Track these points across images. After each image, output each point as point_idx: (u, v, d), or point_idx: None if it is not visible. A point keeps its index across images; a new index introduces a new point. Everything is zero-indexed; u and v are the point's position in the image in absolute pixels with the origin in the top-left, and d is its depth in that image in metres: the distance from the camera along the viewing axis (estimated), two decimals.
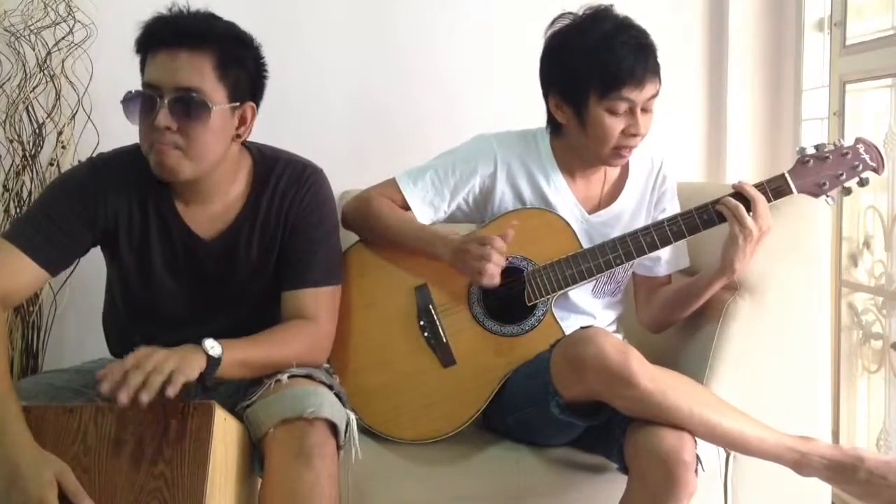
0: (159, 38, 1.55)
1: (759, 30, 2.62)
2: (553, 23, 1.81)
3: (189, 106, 1.53)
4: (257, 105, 1.66)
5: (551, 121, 1.85)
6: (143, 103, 1.56)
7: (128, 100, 1.57)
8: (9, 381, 1.41)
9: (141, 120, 1.57)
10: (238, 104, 1.60)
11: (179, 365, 1.37)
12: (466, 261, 1.72)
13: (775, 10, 2.61)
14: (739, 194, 1.72)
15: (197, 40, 1.54)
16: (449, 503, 1.74)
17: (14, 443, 1.32)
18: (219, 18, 1.61)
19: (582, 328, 1.63)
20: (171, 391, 1.34)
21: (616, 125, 1.74)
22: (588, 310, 1.89)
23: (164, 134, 1.54)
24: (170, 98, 1.53)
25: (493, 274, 1.70)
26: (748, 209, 1.69)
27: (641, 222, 1.87)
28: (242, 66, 1.60)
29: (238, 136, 1.63)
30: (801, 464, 1.56)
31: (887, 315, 2.20)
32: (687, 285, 1.83)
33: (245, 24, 1.65)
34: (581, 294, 1.87)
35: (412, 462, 1.76)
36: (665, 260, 1.92)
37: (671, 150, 1.99)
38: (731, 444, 1.59)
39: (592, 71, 1.71)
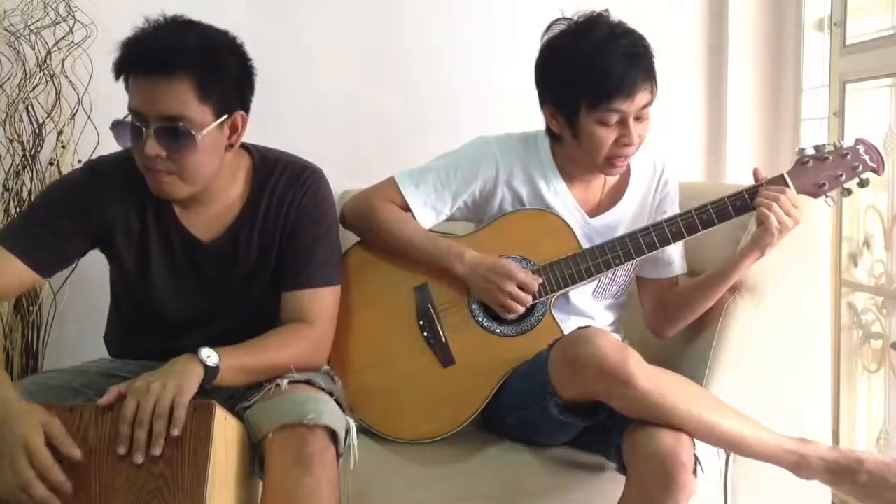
0: (134, 65, 1.52)
1: (759, 30, 2.62)
2: (549, 28, 1.79)
3: (175, 135, 1.51)
4: (248, 107, 1.63)
5: (549, 128, 1.84)
6: (131, 131, 1.55)
7: (115, 127, 1.56)
8: None
9: (132, 145, 1.56)
10: (227, 116, 1.57)
11: (178, 389, 1.36)
12: (498, 295, 1.76)
13: (775, 10, 2.61)
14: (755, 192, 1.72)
15: (172, 67, 1.49)
16: (448, 503, 1.74)
17: (1, 397, 1.34)
18: (192, 31, 1.55)
19: (580, 328, 1.64)
20: (178, 424, 1.33)
21: (608, 136, 1.73)
22: (588, 312, 1.88)
23: (155, 161, 1.53)
24: (155, 127, 1.51)
25: (518, 313, 1.77)
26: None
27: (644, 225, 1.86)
28: (225, 78, 1.56)
29: (231, 144, 1.61)
30: (801, 466, 1.56)
31: (887, 315, 2.21)
32: (711, 274, 1.81)
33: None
34: (581, 296, 1.87)
35: (412, 462, 1.76)
36: (675, 260, 1.91)
37: (671, 150, 1.99)
38: (730, 445, 1.59)
39: (582, 82, 1.70)
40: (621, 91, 1.68)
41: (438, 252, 1.82)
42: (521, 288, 1.75)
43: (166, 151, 1.52)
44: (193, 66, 1.51)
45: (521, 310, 1.77)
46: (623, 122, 1.72)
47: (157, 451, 1.32)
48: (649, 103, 1.74)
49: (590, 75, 1.69)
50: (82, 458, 1.33)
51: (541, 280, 1.78)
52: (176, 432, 1.33)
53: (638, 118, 1.73)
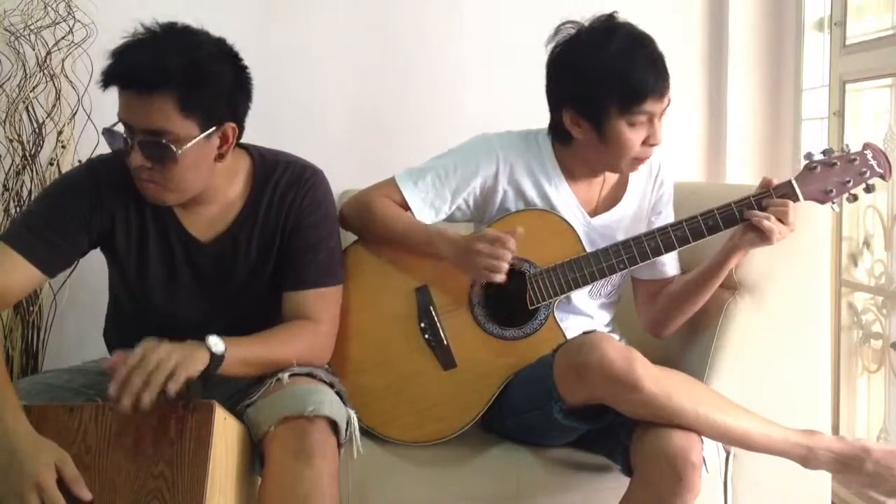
0: (117, 80, 1.52)
1: (759, 30, 2.62)
2: (556, 33, 1.79)
3: (158, 148, 1.52)
4: (241, 117, 1.63)
5: (559, 131, 1.82)
6: (120, 139, 1.56)
7: (105, 135, 1.58)
8: (5, 373, 1.42)
9: (123, 151, 1.57)
10: (214, 128, 1.57)
11: (183, 361, 1.38)
12: (475, 260, 1.72)
13: (775, 10, 2.61)
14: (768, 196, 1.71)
15: (153, 83, 1.49)
16: (449, 503, 1.74)
17: (12, 429, 1.33)
18: (178, 45, 1.54)
19: (584, 333, 1.63)
20: (173, 387, 1.34)
21: (637, 137, 1.74)
22: (586, 311, 1.88)
23: (141, 170, 1.55)
24: (139, 139, 1.52)
25: (503, 272, 1.72)
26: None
27: (643, 226, 1.86)
28: (212, 91, 1.55)
29: (221, 155, 1.60)
30: (808, 458, 1.57)
31: (887, 315, 2.21)
32: (698, 272, 1.81)
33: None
34: (578, 295, 1.86)
35: (412, 463, 1.76)
36: (671, 262, 1.91)
37: (671, 150, 1.99)
38: (737, 442, 1.60)
39: (613, 87, 1.70)
40: (654, 93, 1.70)
41: (427, 238, 1.80)
42: (495, 244, 1.70)
43: (150, 162, 1.54)
44: (175, 83, 1.50)
45: (504, 266, 1.71)
46: (650, 123, 1.74)
47: (146, 400, 1.32)
48: (670, 102, 1.76)
49: (621, 81, 1.70)
50: (83, 457, 1.33)
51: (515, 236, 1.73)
52: (172, 389, 1.33)
53: (658, 118, 1.75)
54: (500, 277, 1.72)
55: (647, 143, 1.75)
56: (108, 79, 1.53)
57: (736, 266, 1.80)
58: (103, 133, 1.58)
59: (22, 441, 1.32)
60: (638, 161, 1.79)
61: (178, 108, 1.51)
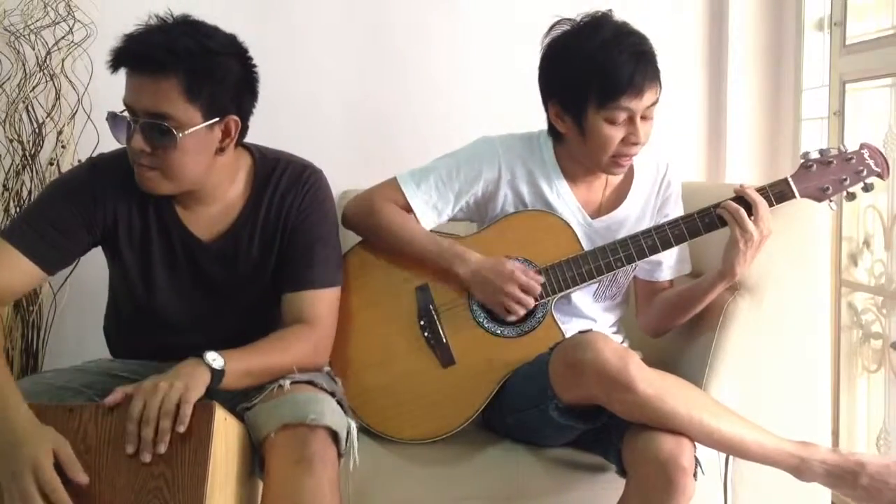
0: (124, 61, 1.53)
1: (759, 30, 2.62)
2: (550, 30, 1.79)
3: (158, 132, 1.52)
4: (245, 114, 1.63)
5: (552, 129, 1.83)
6: (123, 124, 1.56)
7: (111, 119, 1.58)
8: (5, 366, 1.43)
9: (125, 137, 1.57)
10: (218, 119, 1.57)
11: (185, 391, 1.37)
12: (499, 297, 1.76)
13: (775, 10, 2.61)
14: (741, 198, 1.72)
15: (160, 66, 1.50)
16: (449, 503, 1.74)
17: (12, 415, 1.34)
18: (190, 33, 1.55)
19: (581, 332, 1.63)
20: (184, 421, 1.33)
21: (615, 134, 1.73)
22: (589, 314, 1.88)
23: (140, 155, 1.55)
24: (141, 123, 1.53)
25: (519, 315, 1.77)
26: (749, 213, 1.69)
27: (646, 227, 1.85)
28: (218, 81, 1.55)
29: (221, 148, 1.61)
30: (801, 469, 1.56)
31: (887, 315, 2.20)
32: (687, 289, 1.83)
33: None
34: (582, 297, 1.87)
35: (412, 462, 1.76)
36: (667, 265, 1.91)
37: (671, 150, 1.99)
38: (730, 449, 1.59)
39: (590, 80, 1.70)
40: (632, 89, 1.69)
41: (440, 252, 1.81)
42: (522, 290, 1.75)
43: (150, 147, 1.54)
44: (182, 67, 1.51)
45: (523, 312, 1.77)
46: (631, 121, 1.72)
47: (162, 449, 1.32)
48: (655, 102, 1.74)
49: (599, 74, 1.69)
50: (83, 456, 1.33)
51: (543, 280, 1.78)
52: (182, 429, 1.33)
53: (644, 117, 1.73)
54: (513, 318, 1.78)
55: (627, 141, 1.74)
56: (118, 58, 1.53)
57: None
58: (108, 118, 1.58)
59: (21, 426, 1.33)
60: (618, 159, 1.77)
61: (183, 92, 1.52)
